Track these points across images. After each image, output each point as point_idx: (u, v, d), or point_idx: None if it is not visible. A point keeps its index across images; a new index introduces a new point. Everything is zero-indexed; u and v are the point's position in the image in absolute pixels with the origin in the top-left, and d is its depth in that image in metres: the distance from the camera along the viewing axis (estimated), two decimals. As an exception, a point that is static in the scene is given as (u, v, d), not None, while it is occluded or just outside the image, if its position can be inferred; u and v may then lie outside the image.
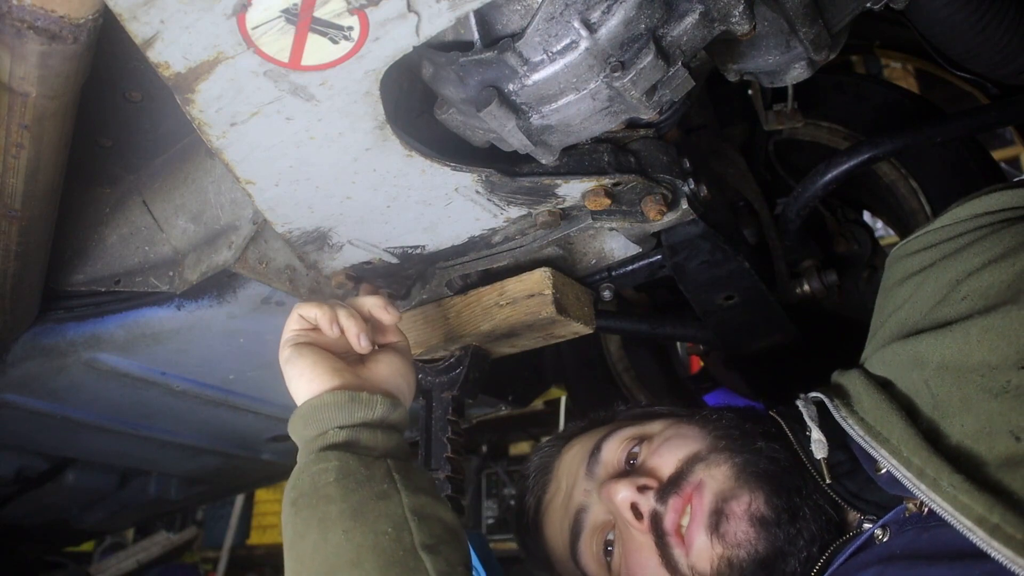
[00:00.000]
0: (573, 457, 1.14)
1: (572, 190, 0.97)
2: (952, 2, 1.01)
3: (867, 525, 0.89)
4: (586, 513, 1.07)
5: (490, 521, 4.10)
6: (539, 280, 1.06)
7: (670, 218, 1.00)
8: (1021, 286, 0.83)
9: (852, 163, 1.18)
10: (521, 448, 4.35)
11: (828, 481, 0.92)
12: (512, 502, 4.00)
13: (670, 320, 1.45)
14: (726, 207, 1.34)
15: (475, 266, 1.11)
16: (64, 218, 1.15)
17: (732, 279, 1.19)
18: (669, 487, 0.97)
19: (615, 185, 0.98)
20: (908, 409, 0.84)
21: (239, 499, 4.85)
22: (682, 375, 2.03)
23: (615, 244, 1.12)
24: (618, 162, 0.98)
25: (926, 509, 0.81)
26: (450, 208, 0.99)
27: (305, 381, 0.90)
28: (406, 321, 1.18)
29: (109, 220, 1.23)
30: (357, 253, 1.08)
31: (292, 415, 0.90)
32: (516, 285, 1.08)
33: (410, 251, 1.08)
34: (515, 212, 1.01)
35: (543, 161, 0.89)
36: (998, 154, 3.62)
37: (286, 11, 0.68)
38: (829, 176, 1.19)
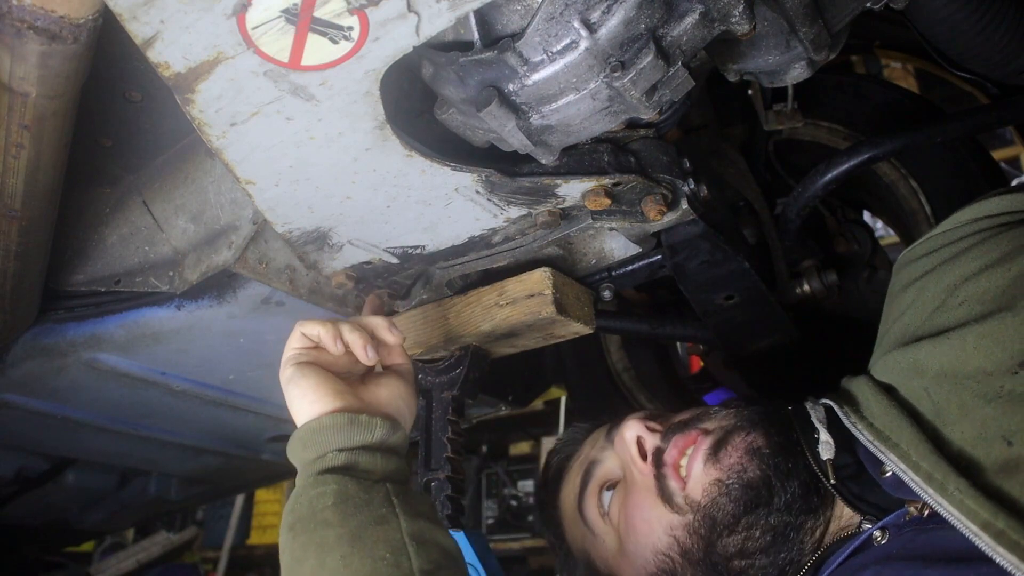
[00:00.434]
0: (600, 432, 1.19)
1: (572, 190, 0.97)
2: (952, 2, 1.02)
3: (867, 526, 0.90)
4: (597, 466, 1.11)
5: (490, 521, 4.10)
6: (539, 280, 1.06)
7: (670, 218, 1.00)
8: (1016, 291, 0.85)
9: (852, 163, 1.17)
10: (521, 448, 4.35)
11: (832, 481, 0.93)
12: (512, 502, 4.01)
13: (670, 320, 1.45)
14: (726, 207, 1.34)
15: (475, 266, 1.11)
16: (64, 218, 1.15)
17: (732, 279, 1.19)
18: (676, 427, 1.03)
19: (615, 185, 0.98)
20: (913, 415, 0.86)
21: (239, 499, 4.84)
22: (682, 375, 2.02)
23: (615, 244, 1.12)
24: (618, 162, 0.98)
25: (926, 512, 0.82)
26: (450, 208, 0.99)
27: (308, 403, 0.89)
28: (406, 321, 1.18)
29: (109, 220, 1.23)
30: (357, 253, 1.08)
31: (291, 437, 0.89)
32: (516, 285, 1.08)
33: (410, 251, 1.08)
34: (515, 212, 1.01)
35: (543, 161, 0.89)
36: (998, 154, 3.61)
37: (286, 11, 0.68)
38: (829, 176, 1.19)
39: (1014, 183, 1.35)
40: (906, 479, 0.80)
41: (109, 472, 2.22)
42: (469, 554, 1.03)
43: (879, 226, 3.04)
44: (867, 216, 1.83)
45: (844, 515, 0.94)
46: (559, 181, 0.96)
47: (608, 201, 0.97)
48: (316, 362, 0.92)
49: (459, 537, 1.05)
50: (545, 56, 0.75)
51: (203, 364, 1.44)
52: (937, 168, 1.43)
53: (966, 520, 0.72)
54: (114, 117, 1.10)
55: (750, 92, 1.37)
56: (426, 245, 1.07)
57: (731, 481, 0.94)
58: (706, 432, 1.00)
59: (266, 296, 1.21)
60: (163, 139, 1.16)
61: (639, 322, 1.36)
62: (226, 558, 4.68)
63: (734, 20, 0.76)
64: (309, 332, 0.93)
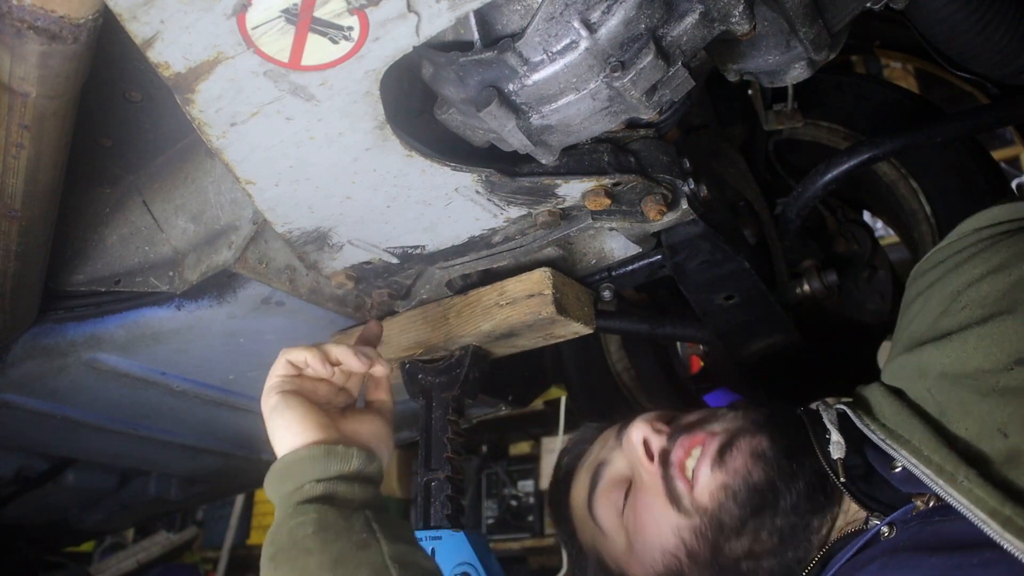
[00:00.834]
0: (610, 432, 1.20)
1: (572, 190, 0.97)
2: (952, 2, 1.02)
3: (874, 522, 0.91)
4: (606, 466, 1.11)
5: (490, 521, 4.09)
6: (539, 280, 1.07)
7: (670, 218, 1.00)
8: (1016, 295, 0.88)
9: (852, 163, 1.18)
10: (521, 448, 4.34)
11: (843, 480, 0.94)
12: (512, 502, 4.01)
13: (670, 320, 1.45)
14: (726, 207, 1.34)
15: (475, 266, 1.11)
16: (64, 218, 1.15)
17: (732, 279, 1.20)
18: (683, 429, 1.04)
19: (615, 185, 0.98)
20: (921, 415, 0.89)
21: (239, 499, 4.83)
22: (682, 375, 2.02)
23: (615, 244, 1.13)
24: (618, 162, 0.98)
25: (932, 503, 0.85)
26: (450, 208, 0.99)
27: (292, 435, 0.89)
28: (406, 321, 1.18)
29: (109, 220, 1.23)
30: (357, 253, 1.08)
31: (268, 472, 0.89)
32: (516, 285, 1.08)
33: (410, 251, 1.08)
34: (515, 212, 1.01)
35: (543, 161, 0.89)
36: (998, 154, 3.61)
37: (286, 11, 0.68)
38: (829, 176, 1.19)
39: (1013, 183, 1.35)
40: (917, 472, 0.82)
41: (109, 472, 2.22)
42: (469, 554, 1.03)
43: (879, 226, 3.04)
44: (867, 216, 1.83)
45: (851, 511, 0.95)
46: (559, 181, 0.96)
47: (608, 201, 0.97)
48: (300, 391, 0.92)
49: (459, 537, 1.05)
50: (545, 56, 0.75)
51: (203, 364, 1.44)
52: (937, 168, 1.43)
53: (975, 508, 0.74)
54: (114, 117, 1.10)
55: (750, 92, 1.37)
56: (426, 245, 1.07)
57: (737, 485, 0.95)
58: (712, 434, 1.01)
59: (266, 296, 1.21)
60: (163, 139, 1.16)
61: (639, 322, 1.36)
62: (226, 558, 4.67)
63: (734, 20, 0.76)
64: (295, 359, 0.93)
